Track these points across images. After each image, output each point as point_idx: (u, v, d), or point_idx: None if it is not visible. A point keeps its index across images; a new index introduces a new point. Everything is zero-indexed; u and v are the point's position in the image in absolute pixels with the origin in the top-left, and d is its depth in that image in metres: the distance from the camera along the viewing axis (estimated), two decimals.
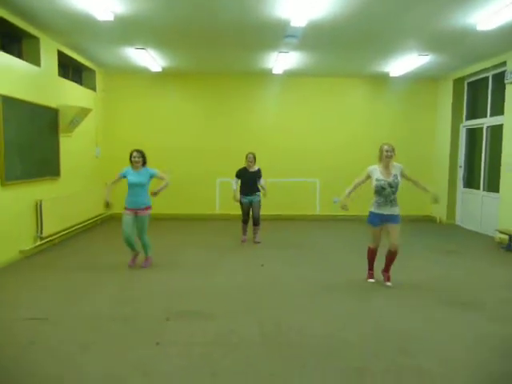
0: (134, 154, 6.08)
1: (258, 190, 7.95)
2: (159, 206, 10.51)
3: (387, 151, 5.29)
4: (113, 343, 3.86)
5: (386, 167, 5.34)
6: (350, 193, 5.45)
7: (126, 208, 6.09)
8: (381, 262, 5.69)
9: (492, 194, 9.08)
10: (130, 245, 6.17)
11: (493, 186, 9.10)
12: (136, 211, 6.06)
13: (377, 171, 5.35)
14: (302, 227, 9.86)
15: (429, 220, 10.92)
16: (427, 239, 8.71)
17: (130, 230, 6.06)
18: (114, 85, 10.54)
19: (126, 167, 6.17)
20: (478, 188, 9.68)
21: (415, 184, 5.53)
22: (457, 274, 6.21)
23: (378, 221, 5.42)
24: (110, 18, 6.14)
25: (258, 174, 7.90)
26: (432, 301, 5.03)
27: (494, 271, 6.43)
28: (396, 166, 5.39)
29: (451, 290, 5.42)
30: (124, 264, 6.32)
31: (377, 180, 5.29)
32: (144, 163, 6.14)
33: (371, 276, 5.72)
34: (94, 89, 9.86)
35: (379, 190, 5.29)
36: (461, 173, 10.38)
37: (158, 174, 6.23)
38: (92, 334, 4.04)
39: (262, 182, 7.97)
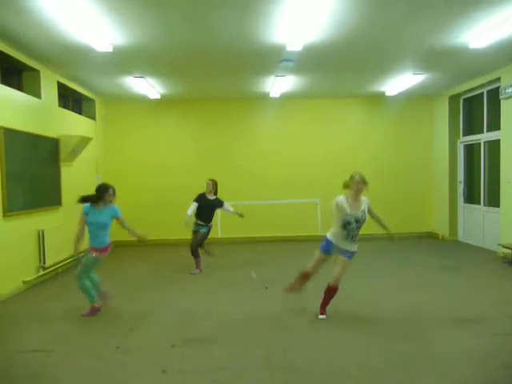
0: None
1: (210, 221, 7.54)
2: (159, 233, 10.62)
3: (358, 184, 4.76)
4: (119, 372, 3.82)
5: (356, 200, 4.82)
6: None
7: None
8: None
9: (493, 209, 9.09)
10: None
11: (493, 200, 9.11)
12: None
13: (345, 204, 4.79)
14: (303, 248, 9.80)
15: (432, 236, 10.89)
16: (430, 256, 8.66)
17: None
18: (114, 113, 10.65)
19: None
20: (479, 203, 9.69)
21: (378, 221, 5.04)
22: (459, 290, 6.17)
23: (331, 251, 4.98)
24: (108, 49, 6.27)
25: (214, 203, 7.53)
26: (435, 319, 5.00)
27: (497, 286, 6.38)
28: (364, 200, 4.87)
29: (454, 307, 5.37)
30: (128, 293, 6.28)
31: (346, 215, 4.75)
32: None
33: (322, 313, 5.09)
34: (93, 118, 9.96)
35: (344, 225, 4.78)
36: (461, 188, 10.41)
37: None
38: (97, 364, 4.00)
39: (228, 207, 7.66)
